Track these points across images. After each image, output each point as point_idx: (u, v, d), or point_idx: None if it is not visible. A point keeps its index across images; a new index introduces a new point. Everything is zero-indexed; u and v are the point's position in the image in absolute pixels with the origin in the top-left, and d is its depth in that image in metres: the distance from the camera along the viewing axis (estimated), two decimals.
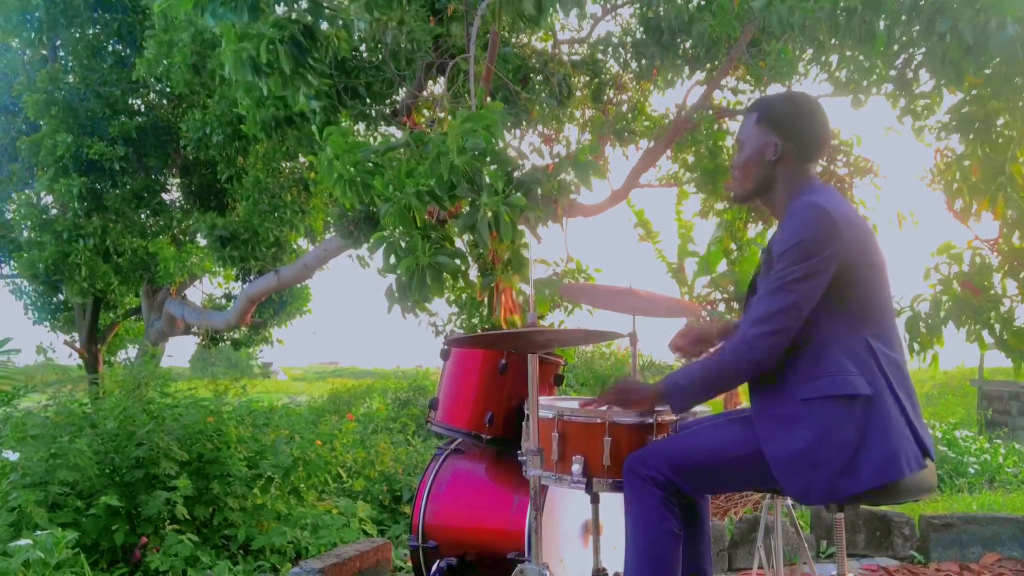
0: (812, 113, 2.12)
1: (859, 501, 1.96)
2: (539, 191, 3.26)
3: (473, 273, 3.98)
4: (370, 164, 3.35)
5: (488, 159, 3.07)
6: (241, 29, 3.61)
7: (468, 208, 3.18)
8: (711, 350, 2.41)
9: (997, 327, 4.02)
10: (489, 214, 3.04)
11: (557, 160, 3.34)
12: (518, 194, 3.12)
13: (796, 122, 2.09)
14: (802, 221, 1.94)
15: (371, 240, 3.40)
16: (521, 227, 3.30)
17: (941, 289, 4.09)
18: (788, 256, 1.92)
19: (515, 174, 3.30)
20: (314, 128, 4.21)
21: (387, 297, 3.43)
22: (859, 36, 3.41)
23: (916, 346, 4.11)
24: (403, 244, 3.28)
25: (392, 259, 3.31)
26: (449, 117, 3.37)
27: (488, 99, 4.16)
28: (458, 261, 3.35)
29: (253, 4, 3.45)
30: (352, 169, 3.29)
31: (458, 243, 3.67)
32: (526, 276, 3.72)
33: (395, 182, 3.21)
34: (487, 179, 3.06)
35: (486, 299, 3.70)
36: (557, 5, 3.32)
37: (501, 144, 3.11)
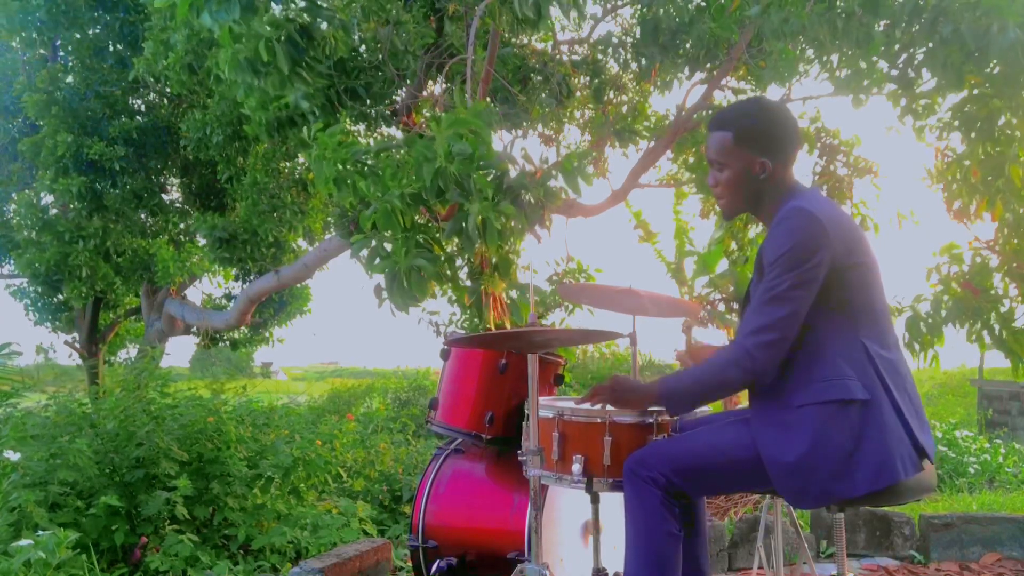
0: (784, 120, 2.12)
1: (856, 504, 1.97)
2: (528, 197, 3.23)
3: (464, 278, 3.96)
4: (360, 164, 3.34)
5: (475, 164, 3.05)
6: (238, 31, 3.60)
7: (456, 212, 3.16)
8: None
9: (996, 327, 4.02)
10: (479, 220, 3.02)
11: (545, 166, 3.31)
12: (506, 201, 3.10)
13: (775, 135, 2.08)
14: (789, 228, 1.95)
15: (352, 241, 3.37)
16: (514, 226, 3.28)
17: (942, 289, 4.09)
18: (779, 264, 1.93)
19: (504, 178, 3.28)
20: (307, 129, 4.21)
21: (376, 295, 3.41)
22: (856, 39, 3.41)
23: (917, 346, 4.11)
24: (384, 246, 3.25)
25: (376, 260, 3.29)
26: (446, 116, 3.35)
27: (488, 100, 4.15)
28: (442, 264, 3.32)
29: (247, 3, 3.44)
30: (340, 167, 3.27)
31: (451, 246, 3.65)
32: (514, 281, 3.71)
33: (379, 185, 3.20)
34: (475, 184, 3.04)
35: (473, 305, 3.67)
36: (554, 7, 3.30)
37: (485, 148, 3.08)
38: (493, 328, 3.65)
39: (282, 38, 3.62)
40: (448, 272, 3.47)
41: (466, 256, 3.64)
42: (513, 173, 3.26)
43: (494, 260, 3.67)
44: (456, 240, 3.32)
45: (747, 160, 2.07)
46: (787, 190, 2.09)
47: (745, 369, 1.95)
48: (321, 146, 3.27)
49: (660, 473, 2.02)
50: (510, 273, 3.60)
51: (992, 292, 4.02)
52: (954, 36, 3.28)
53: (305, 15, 3.86)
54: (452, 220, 3.14)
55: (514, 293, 3.78)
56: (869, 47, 3.42)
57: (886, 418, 1.91)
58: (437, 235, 3.44)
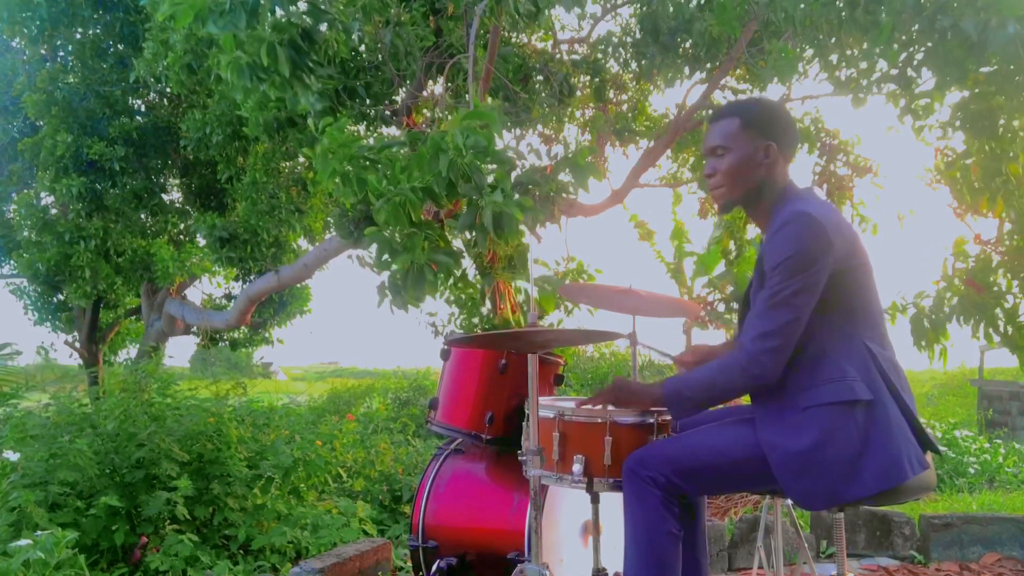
0: (788, 115, 2.20)
1: (861, 503, 1.97)
2: (537, 192, 3.24)
3: (471, 273, 3.95)
4: (365, 160, 3.33)
5: (488, 158, 3.05)
6: (240, 37, 3.60)
7: (467, 207, 3.16)
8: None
9: (1002, 323, 4.02)
10: (490, 213, 3.02)
11: (555, 161, 3.32)
12: (518, 195, 3.11)
13: (781, 124, 2.12)
14: (793, 232, 1.94)
15: (365, 234, 3.36)
16: (521, 226, 3.29)
17: (945, 286, 4.10)
18: (782, 270, 1.92)
19: (513, 174, 3.28)
20: (311, 125, 4.20)
21: (379, 292, 3.41)
22: (863, 27, 3.40)
23: (923, 343, 4.11)
24: (399, 240, 3.25)
25: (386, 256, 3.29)
26: (448, 116, 3.35)
27: (488, 99, 4.15)
28: (452, 260, 3.33)
29: (252, 10, 3.45)
30: (347, 164, 3.27)
31: (456, 242, 3.65)
32: (526, 275, 3.70)
33: (390, 178, 3.20)
34: (490, 179, 3.04)
35: (487, 299, 3.67)
36: (555, 3, 3.30)
37: (500, 144, 3.09)
38: (505, 323, 3.64)
39: (283, 42, 3.62)
40: (459, 267, 3.47)
41: (474, 251, 3.64)
42: (521, 169, 3.27)
43: (506, 255, 3.66)
44: (462, 236, 3.31)
45: (753, 143, 2.08)
46: (785, 189, 2.10)
47: (752, 375, 1.95)
48: (329, 140, 3.26)
49: (660, 473, 2.02)
50: (526, 267, 3.60)
51: (996, 289, 4.02)
52: (954, 31, 3.28)
53: (306, 18, 3.85)
54: (464, 215, 3.13)
55: (526, 286, 3.77)
56: (876, 36, 3.39)
57: (891, 417, 1.91)
58: (444, 232, 3.44)
